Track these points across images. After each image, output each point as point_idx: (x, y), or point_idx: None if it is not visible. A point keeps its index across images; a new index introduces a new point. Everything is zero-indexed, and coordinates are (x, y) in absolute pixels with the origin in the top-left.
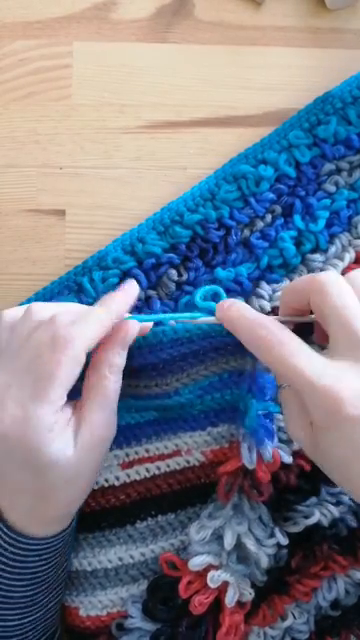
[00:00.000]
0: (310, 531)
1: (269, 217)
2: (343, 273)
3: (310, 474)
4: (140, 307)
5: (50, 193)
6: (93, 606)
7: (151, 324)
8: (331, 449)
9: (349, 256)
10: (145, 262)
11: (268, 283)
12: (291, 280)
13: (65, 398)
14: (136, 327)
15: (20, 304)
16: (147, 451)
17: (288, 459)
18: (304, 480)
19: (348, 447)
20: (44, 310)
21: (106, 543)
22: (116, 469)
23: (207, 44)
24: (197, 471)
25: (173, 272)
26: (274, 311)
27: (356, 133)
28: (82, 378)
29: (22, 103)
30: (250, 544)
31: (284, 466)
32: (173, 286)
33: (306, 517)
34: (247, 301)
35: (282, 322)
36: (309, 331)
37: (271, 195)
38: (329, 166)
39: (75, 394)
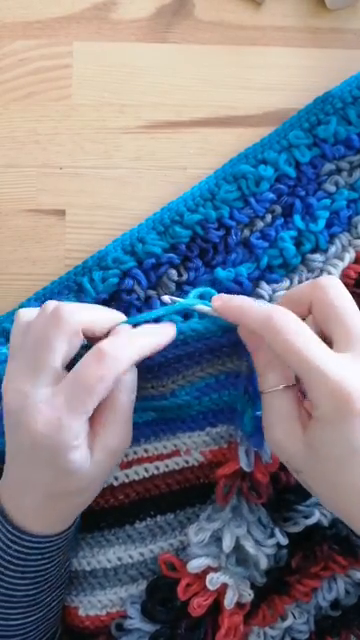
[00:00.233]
0: (310, 531)
1: (269, 217)
2: (343, 273)
3: None
4: (140, 307)
5: (50, 193)
6: (92, 606)
7: (163, 343)
8: (326, 447)
9: (349, 256)
10: (145, 262)
11: (268, 283)
12: (291, 280)
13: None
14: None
15: (20, 304)
16: (146, 451)
17: None
18: None
19: (345, 446)
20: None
21: (105, 543)
22: (115, 469)
23: (207, 44)
24: (196, 471)
25: (173, 272)
26: None
27: (356, 133)
28: None
29: (22, 103)
30: (249, 546)
31: (284, 466)
32: (173, 286)
33: (306, 517)
34: None
35: None
36: None
37: (271, 195)
38: (329, 166)
39: None
